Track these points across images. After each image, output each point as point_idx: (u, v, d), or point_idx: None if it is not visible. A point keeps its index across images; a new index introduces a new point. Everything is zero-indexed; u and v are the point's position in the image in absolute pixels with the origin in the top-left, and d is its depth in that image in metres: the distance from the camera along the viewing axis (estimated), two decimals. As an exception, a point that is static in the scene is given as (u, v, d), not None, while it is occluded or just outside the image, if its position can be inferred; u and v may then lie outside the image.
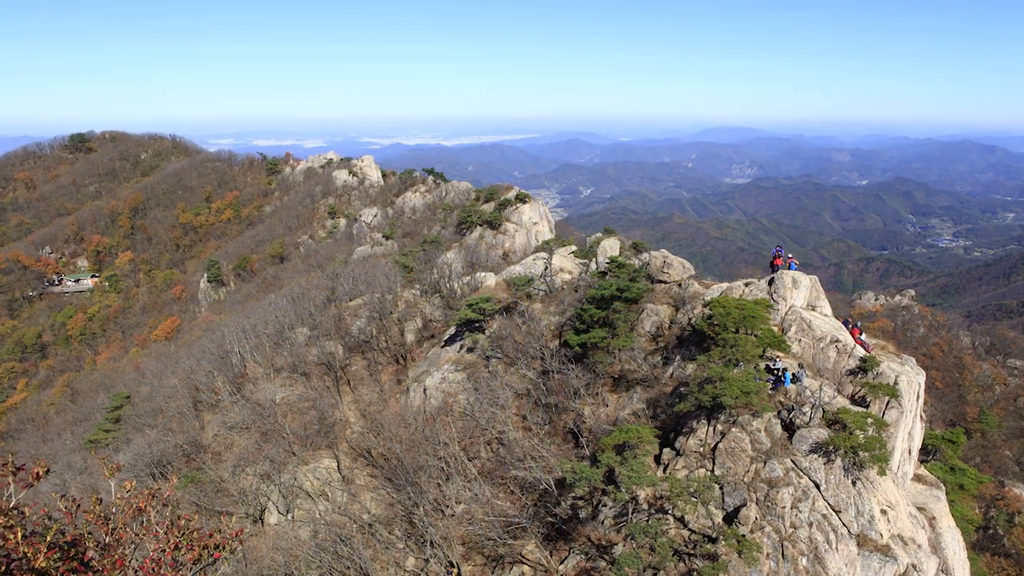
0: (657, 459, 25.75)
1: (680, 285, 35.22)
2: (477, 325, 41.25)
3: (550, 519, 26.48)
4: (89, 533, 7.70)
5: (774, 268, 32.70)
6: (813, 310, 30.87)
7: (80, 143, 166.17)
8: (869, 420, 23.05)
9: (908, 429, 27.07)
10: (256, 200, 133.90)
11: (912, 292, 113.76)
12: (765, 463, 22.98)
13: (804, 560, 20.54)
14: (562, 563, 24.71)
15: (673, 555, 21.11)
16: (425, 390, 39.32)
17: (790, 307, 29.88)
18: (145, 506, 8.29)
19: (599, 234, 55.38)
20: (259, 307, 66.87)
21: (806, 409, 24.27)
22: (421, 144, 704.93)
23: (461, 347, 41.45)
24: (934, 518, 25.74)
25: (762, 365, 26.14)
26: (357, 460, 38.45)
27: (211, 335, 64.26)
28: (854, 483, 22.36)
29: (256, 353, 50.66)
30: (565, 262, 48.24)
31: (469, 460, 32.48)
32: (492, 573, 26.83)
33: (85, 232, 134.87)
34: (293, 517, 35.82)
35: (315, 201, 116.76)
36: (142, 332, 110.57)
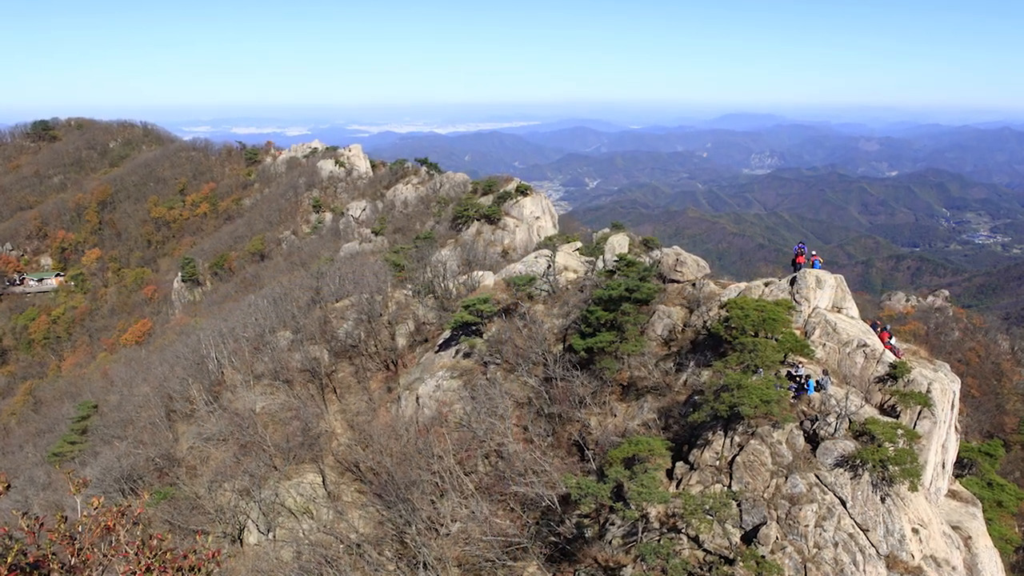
0: (669, 474, 25.79)
1: (694, 285, 35.24)
2: (474, 328, 41.30)
3: (553, 539, 26.51)
4: (53, 554, 7.71)
5: (796, 266, 32.78)
6: (839, 312, 30.92)
7: (43, 131, 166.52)
8: (899, 431, 23.07)
9: (942, 441, 27.10)
10: (234, 192, 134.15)
11: (946, 292, 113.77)
12: (786, 478, 23.01)
13: (829, 583, 20.58)
14: (566, 586, 24.74)
15: (687, 578, 21.12)
16: (418, 399, 39.36)
17: (813, 309, 29.92)
18: (114, 524, 8.30)
19: (606, 229, 55.53)
20: (238, 309, 66.97)
21: (831, 419, 24.29)
22: (413, 132, 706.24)
23: (457, 352, 41.49)
24: (970, 537, 25.77)
25: (783, 372, 26.18)
26: (344, 475, 38.47)
27: (186, 339, 64.36)
28: (883, 500, 22.38)
29: (234, 359, 50.71)
30: (569, 260, 48.28)
31: (465, 475, 32.51)
32: (490, 597, 26.85)
33: (49, 227, 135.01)
34: (274, 536, 35.84)
35: (298, 194, 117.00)
36: (111, 336, 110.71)
